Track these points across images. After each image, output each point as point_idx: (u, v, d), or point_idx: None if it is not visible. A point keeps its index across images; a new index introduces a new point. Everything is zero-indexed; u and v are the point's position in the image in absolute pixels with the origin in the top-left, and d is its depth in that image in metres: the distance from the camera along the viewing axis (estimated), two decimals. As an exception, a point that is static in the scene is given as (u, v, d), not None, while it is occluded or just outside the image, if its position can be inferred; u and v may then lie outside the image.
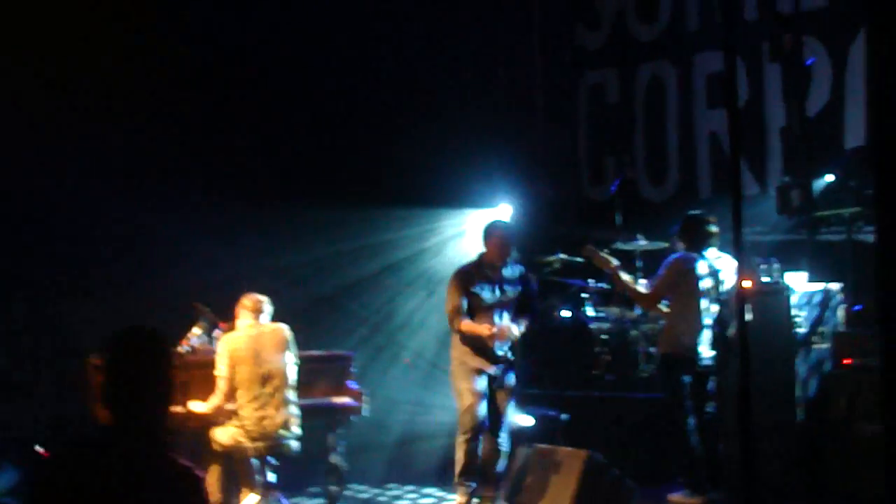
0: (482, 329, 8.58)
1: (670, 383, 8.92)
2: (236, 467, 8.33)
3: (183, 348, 7.99)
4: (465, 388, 8.71)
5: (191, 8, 10.79)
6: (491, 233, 8.83)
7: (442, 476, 10.41)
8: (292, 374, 8.33)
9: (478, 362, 8.70)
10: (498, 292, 8.72)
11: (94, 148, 9.99)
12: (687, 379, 8.80)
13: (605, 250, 9.51)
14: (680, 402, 8.83)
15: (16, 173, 9.64)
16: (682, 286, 8.83)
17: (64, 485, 3.69)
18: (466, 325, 8.66)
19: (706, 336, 8.81)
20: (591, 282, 10.96)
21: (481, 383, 8.72)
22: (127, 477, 3.67)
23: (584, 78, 12.49)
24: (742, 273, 8.93)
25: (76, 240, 9.89)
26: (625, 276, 9.24)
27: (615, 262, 9.21)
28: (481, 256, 8.86)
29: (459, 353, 8.80)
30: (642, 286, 9.37)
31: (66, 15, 9.97)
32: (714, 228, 8.92)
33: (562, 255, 11.02)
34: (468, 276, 8.74)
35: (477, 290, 8.69)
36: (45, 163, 9.74)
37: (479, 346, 8.69)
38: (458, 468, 8.78)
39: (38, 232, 9.76)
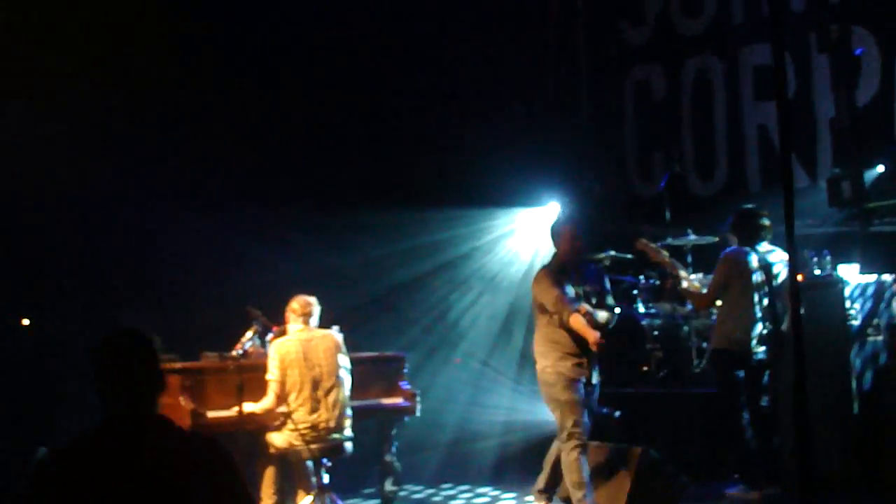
0: (591, 334, 7.95)
1: (724, 378, 8.88)
2: (291, 470, 8.39)
3: (236, 352, 8.04)
4: (572, 400, 8.05)
5: (241, 16, 10.84)
6: (560, 231, 8.35)
7: (496, 475, 10.44)
8: (344, 377, 8.37)
9: (577, 372, 8.12)
10: (581, 292, 8.17)
11: (148, 156, 10.07)
12: (741, 374, 8.77)
13: (657, 244, 9.48)
14: (734, 397, 8.79)
15: (71, 182, 9.74)
16: (736, 281, 8.79)
17: (84, 478, 3.86)
18: (577, 321, 7.92)
19: (759, 330, 8.76)
20: (641, 278, 10.93)
21: (581, 391, 8.14)
22: (160, 457, 3.94)
23: (630, 74, 12.44)
24: (794, 266, 8.95)
25: (131, 246, 9.98)
26: (681, 273, 9.22)
27: (667, 256, 9.20)
28: (556, 257, 8.38)
29: (554, 362, 8.14)
30: (695, 280, 9.33)
31: (123, 29, 10.05)
32: (766, 222, 8.89)
33: (612, 253, 10.98)
34: (558, 275, 8.19)
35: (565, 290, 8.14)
36: (101, 171, 9.82)
37: (577, 351, 8.10)
38: (570, 480, 8.07)
39: (94, 239, 9.84)
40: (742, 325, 8.75)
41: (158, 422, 4.11)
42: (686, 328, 10.50)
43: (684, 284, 9.24)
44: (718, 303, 9.03)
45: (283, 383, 8.15)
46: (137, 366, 4.14)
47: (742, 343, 8.73)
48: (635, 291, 11.02)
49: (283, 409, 8.20)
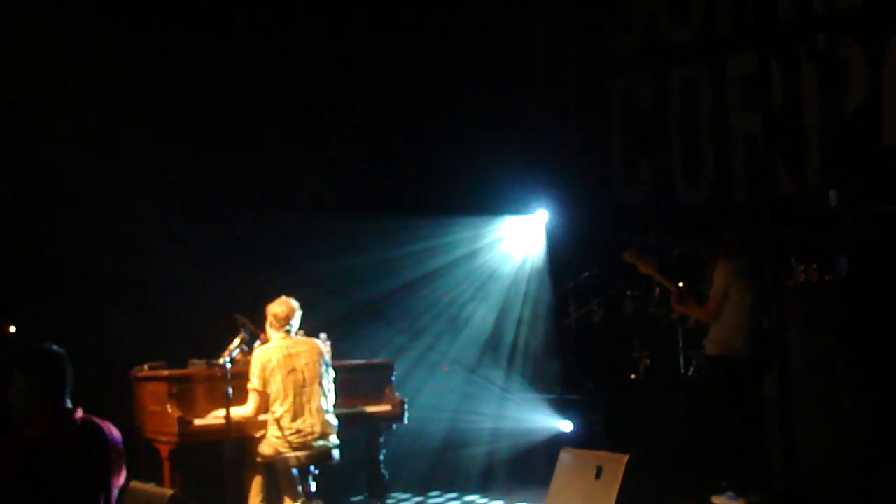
0: None
1: (718, 384, 8.88)
2: (278, 477, 8.38)
3: (223, 360, 8.03)
4: None
5: (239, 23, 10.86)
6: None
7: (484, 483, 10.44)
8: (329, 384, 8.37)
9: None
10: None
11: (138, 161, 10.06)
12: (735, 380, 8.77)
13: (641, 253, 9.47)
14: (726, 403, 8.80)
15: (58, 185, 9.73)
16: (732, 289, 8.81)
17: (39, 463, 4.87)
18: None
19: (754, 337, 8.77)
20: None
21: None
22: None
23: (617, 81, 12.45)
24: (780, 273, 8.99)
25: (119, 253, 9.96)
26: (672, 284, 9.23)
27: (655, 266, 9.22)
28: None
29: None
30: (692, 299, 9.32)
31: (123, 33, 10.08)
32: (747, 232, 8.95)
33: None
34: None
35: None
36: (90, 175, 9.81)
37: None
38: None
39: (81, 245, 9.82)
40: (737, 332, 8.76)
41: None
42: (674, 334, 10.51)
43: (680, 303, 9.24)
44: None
45: (263, 392, 8.16)
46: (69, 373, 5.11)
47: (737, 349, 8.74)
48: (622, 297, 11.04)
49: (266, 416, 8.20)
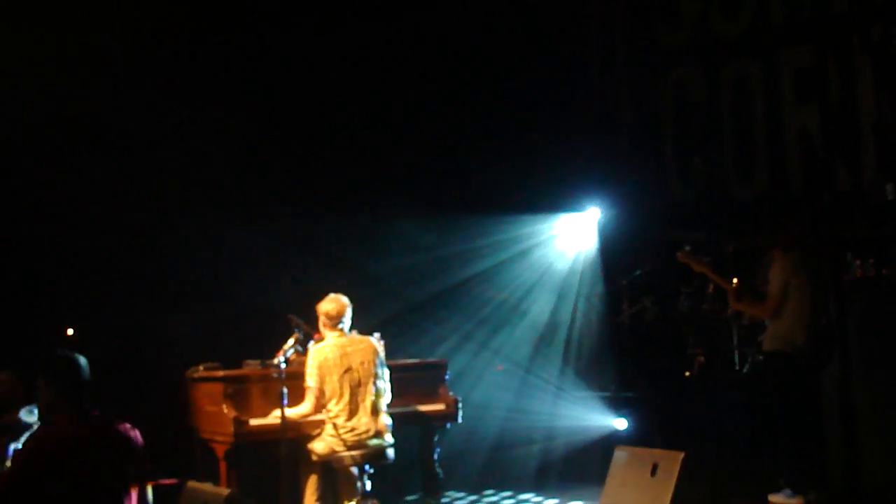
0: None
1: (776, 381, 8.80)
2: (334, 477, 8.41)
3: (278, 360, 8.06)
4: None
5: (294, 23, 10.91)
6: None
7: (538, 481, 10.42)
8: (384, 384, 8.38)
9: None
10: None
11: (193, 163, 10.12)
12: (793, 376, 8.69)
13: (695, 252, 9.39)
14: (784, 400, 8.72)
15: (114, 189, 9.82)
16: (791, 285, 8.74)
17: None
18: None
19: (812, 332, 8.69)
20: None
21: None
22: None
23: (668, 78, 12.37)
24: (839, 269, 8.91)
25: (173, 255, 10.03)
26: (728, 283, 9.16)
27: (710, 265, 9.16)
28: None
29: None
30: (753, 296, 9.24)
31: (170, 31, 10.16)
32: (804, 227, 8.87)
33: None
34: None
35: None
36: (146, 179, 9.90)
37: None
38: None
39: (136, 248, 9.91)
40: (796, 328, 8.67)
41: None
42: (729, 332, 10.43)
43: (738, 301, 9.17)
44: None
45: (321, 390, 8.18)
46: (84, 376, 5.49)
47: (796, 346, 8.66)
48: (677, 295, 10.97)
49: (322, 416, 8.23)
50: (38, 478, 5.21)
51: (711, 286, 10.10)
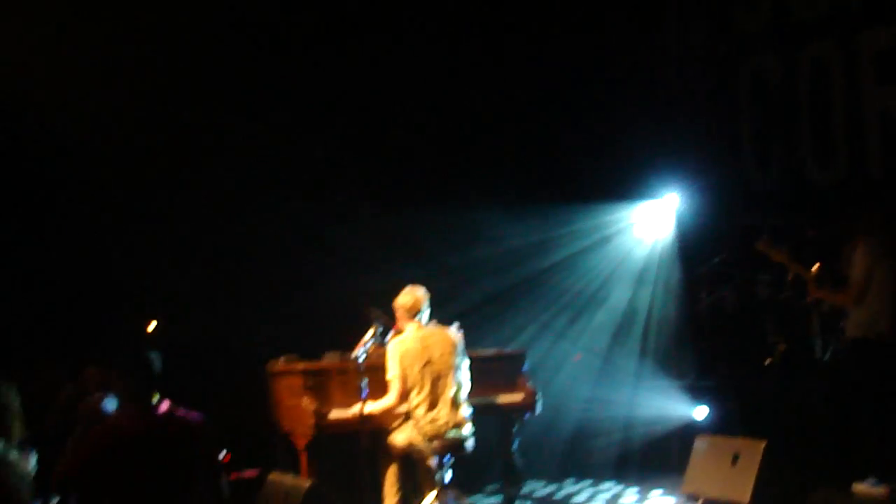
0: None
1: (860, 368, 8.69)
2: (414, 468, 8.46)
3: (357, 352, 8.11)
4: None
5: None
6: None
7: (618, 470, 10.40)
8: (463, 375, 8.41)
9: None
10: None
11: (268, 156, 10.22)
12: (877, 363, 8.57)
13: (773, 241, 9.27)
14: (869, 387, 8.61)
15: (191, 182, 9.94)
16: (876, 270, 8.62)
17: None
18: None
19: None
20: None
21: None
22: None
23: (746, 63, 12.25)
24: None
25: (252, 247, 10.15)
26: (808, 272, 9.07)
27: (789, 254, 9.06)
28: None
29: None
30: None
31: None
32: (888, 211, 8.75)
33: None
34: None
35: None
36: (221, 174, 10.01)
37: None
38: None
39: (219, 242, 10.03)
40: (883, 314, 8.56)
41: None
42: (809, 319, 10.32)
43: (819, 289, 9.07)
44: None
45: (404, 380, 8.22)
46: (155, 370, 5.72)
47: (882, 332, 8.54)
48: (757, 282, 10.88)
49: (403, 407, 8.27)
50: (104, 467, 5.43)
51: (791, 273, 10.00)
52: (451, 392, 8.26)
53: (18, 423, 5.54)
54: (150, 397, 5.70)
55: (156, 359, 5.77)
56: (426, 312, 8.46)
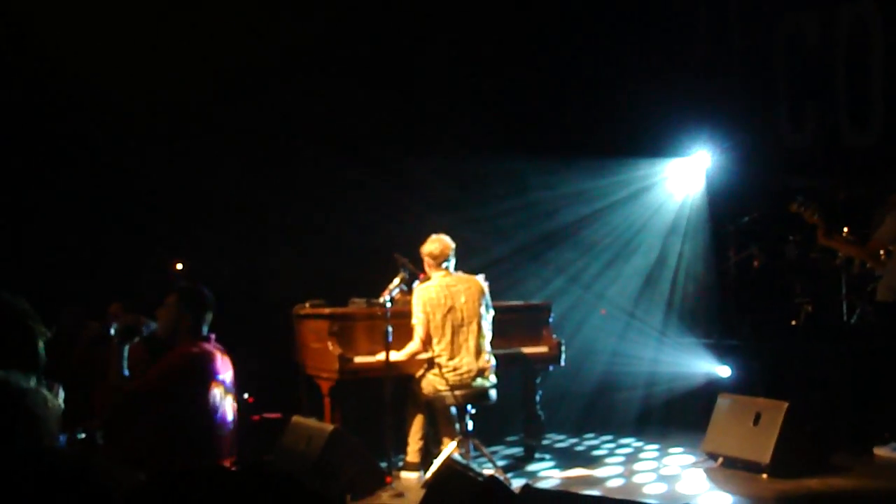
0: None
1: (888, 332, 8.64)
2: (436, 415, 8.50)
3: (383, 298, 8.13)
4: None
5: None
6: None
7: (639, 426, 10.42)
8: (487, 324, 8.42)
9: None
10: None
11: (301, 105, 10.20)
12: None
13: (812, 203, 9.18)
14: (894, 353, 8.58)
15: (225, 129, 9.95)
16: None
17: None
18: None
19: None
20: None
21: None
22: None
23: (782, 21, 12.12)
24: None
25: (280, 192, 10.16)
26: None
27: (821, 216, 8.98)
28: None
29: None
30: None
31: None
32: None
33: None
34: None
35: None
36: (253, 120, 10.02)
37: None
38: None
39: (248, 185, 10.05)
40: None
41: None
42: (837, 281, 10.27)
43: (828, 238, 9.00)
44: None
45: (427, 326, 8.24)
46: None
47: None
48: (785, 243, 10.83)
49: (426, 354, 8.30)
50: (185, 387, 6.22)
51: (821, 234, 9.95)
52: (474, 340, 8.26)
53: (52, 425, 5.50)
54: (205, 330, 6.49)
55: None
56: (452, 261, 8.47)
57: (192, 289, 6.77)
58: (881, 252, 8.77)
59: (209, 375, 6.38)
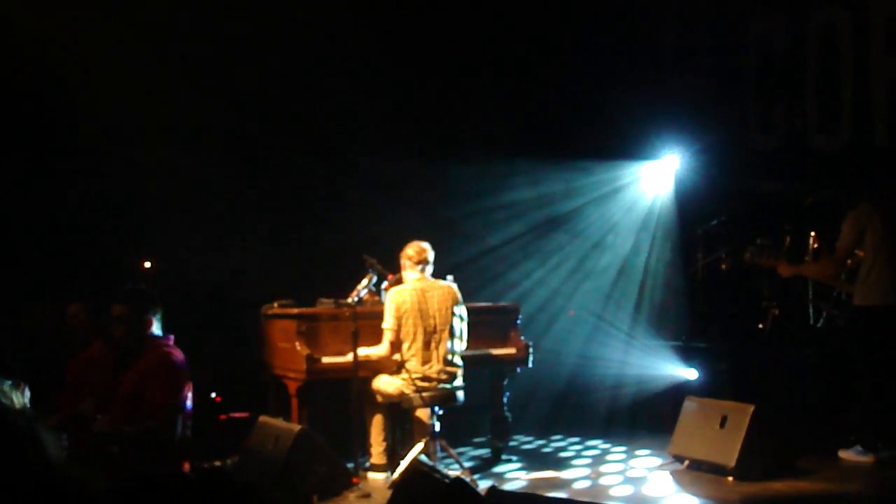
0: None
1: (862, 335, 8.68)
2: (404, 417, 8.49)
3: (351, 299, 8.12)
4: None
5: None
6: None
7: (606, 428, 10.44)
8: (458, 328, 8.41)
9: None
10: None
11: (267, 104, 10.17)
12: (881, 332, 8.56)
13: (763, 249, 9.28)
14: (869, 355, 8.61)
15: (194, 125, 9.90)
16: (878, 231, 8.58)
17: None
18: None
19: None
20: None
21: None
22: None
23: (752, 24, 12.15)
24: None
25: (253, 191, 10.14)
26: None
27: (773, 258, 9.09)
28: None
29: None
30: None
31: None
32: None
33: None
34: None
35: None
36: (225, 117, 9.97)
37: None
38: None
39: (217, 184, 10.00)
40: (892, 283, 8.53)
41: None
42: (804, 285, 10.32)
43: (791, 267, 9.11)
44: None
45: (397, 332, 8.24)
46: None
47: (888, 301, 8.51)
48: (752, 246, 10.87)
49: (396, 356, 8.29)
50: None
51: (788, 238, 9.99)
52: (445, 346, 8.28)
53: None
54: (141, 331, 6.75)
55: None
56: (430, 268, 8.47)
57: (136, 293, 6.81)
58: (849, 260, 8.83)
59: (187, 378, 6.55)
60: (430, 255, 8.48)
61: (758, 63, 12.05)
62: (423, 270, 8.41)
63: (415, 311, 8.22)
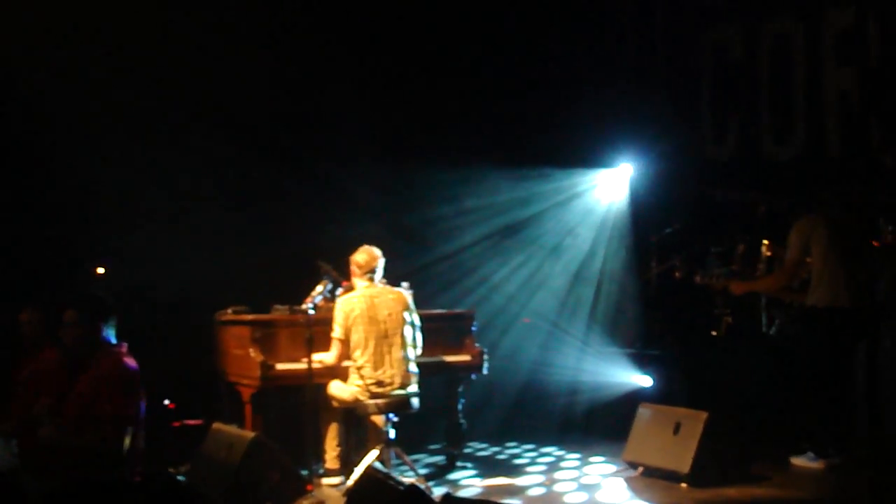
0: None
1: (817, 340, 8.74)
2: (359, 423, 8.47)
3: (306, 305, 8.10)
4: None
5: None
6: None
7: (561, 435, 10.46)
8: (410, 334, 8.40)
9: None
10: None
11: (224, 108, 10.12)
12: (834, 336, 8.63)
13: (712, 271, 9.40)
14: (822, 360, 8.68)
15: (146, 130, 9.84)
16: (822, 239, 8.66)
17: None
18: None
19: (857, 293, 8.62)
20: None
21: None
22: None
23: (707, 35, 12.23)
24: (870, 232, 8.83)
25: (207, 198, 10.08)
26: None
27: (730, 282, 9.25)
28: None
29: None
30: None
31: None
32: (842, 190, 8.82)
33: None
34: None
35: None
36: (180, 122, 9.92)
37: None
38: None
39: (170, 190, 9.95)
40: (842, 287, 8.60)
41: None
42: (757, 293, 10.39)
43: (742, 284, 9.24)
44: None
45: (346, 341, 8.24)
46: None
47: (841, 305, 8.58)
48: (705, 255, 10.94)
49: (348, 363, 8.27)
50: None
51: (741, 246, 10.07)
52: (398, 351, 8.26)
53: None
54: (96, 338, 6.66)
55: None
56: (379, 273, 8.46)
57: (89, 298, 6.78)
58: (799, 271, 8.91)
59: (139, 387, 6.58)
60: (380, 262, 8.47)
61: (712, 73, 12.13)
62: (371, 278, 8.40)
63: (364, 318, 8.21)
